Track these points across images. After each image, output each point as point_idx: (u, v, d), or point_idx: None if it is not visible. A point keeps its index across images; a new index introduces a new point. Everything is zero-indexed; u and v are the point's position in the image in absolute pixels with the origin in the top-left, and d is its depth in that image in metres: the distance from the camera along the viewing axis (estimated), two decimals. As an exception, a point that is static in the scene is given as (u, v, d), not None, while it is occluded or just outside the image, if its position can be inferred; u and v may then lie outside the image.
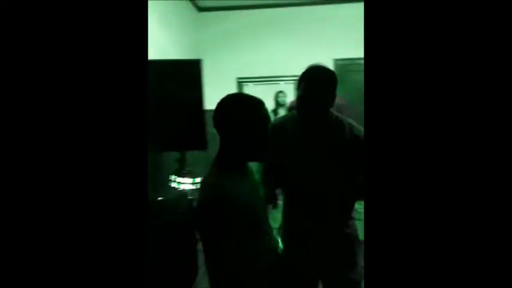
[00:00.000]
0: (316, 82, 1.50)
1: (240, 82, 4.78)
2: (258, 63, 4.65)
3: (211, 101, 4.87)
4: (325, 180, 1.58)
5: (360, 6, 4.84)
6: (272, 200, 1.81)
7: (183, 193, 2.29)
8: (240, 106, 1.16)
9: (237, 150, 1.16)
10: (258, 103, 1.17)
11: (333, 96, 1.55)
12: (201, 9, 4.68)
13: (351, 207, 1.70)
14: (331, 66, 4.52)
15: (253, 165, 1.33)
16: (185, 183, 2.40)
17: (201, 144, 2.41)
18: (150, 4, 2.95)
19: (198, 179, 2.40)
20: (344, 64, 4.50)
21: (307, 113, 1.59)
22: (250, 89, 4.76)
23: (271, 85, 4.60)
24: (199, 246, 1.18)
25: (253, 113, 1.14)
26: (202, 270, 2.39)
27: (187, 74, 2.37)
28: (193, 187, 2.38)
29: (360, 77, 4.30)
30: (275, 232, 1.43)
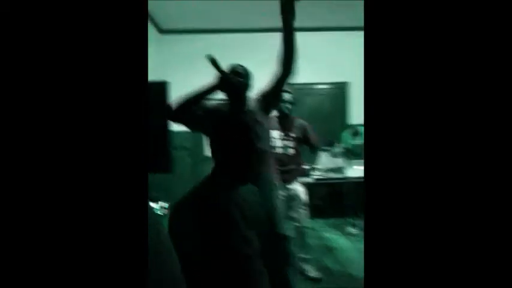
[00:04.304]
0: (235, 75, 2.17)
1: (202, 104, 4.78)
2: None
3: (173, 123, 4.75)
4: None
5: (314, 35, 5.06)
6: None
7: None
8: None
9: None
10: None
11: (247, 85, 2.20)
12: (163, 31, 4.66)
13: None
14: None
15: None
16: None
17: (165, 166, 2.35)
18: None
19: (164, 204, 2.33)
20: (299, 88, 4.77)
21: (231, 97, 2.19)
22: (211, 111, 4.77)
23: (233, 107, 4.66)
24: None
25: None
26: None
27: (152, 95, 2.32)
28: (160, 213, 2.30)
29: (312, 99, 4.62)
30: None
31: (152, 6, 3.94)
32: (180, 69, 4.71)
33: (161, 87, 2.30)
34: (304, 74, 4.60)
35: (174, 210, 1.12)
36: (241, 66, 2.25)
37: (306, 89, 4.92)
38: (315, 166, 4.06)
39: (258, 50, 4.70)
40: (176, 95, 4.67)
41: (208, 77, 4.76)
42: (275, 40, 4.76)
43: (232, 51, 4.72)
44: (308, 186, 3.26)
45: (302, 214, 2.93)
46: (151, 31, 4.40)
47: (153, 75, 3.95)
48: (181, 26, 4.63)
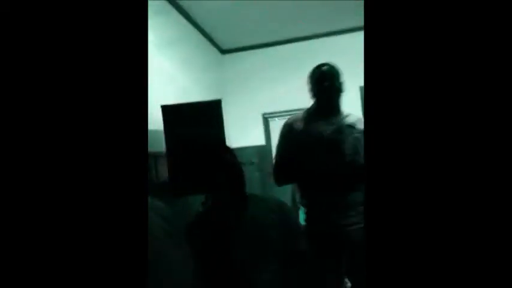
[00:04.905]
0: (323, 76, 1.82)
1: (266, 117, 4.83)
2: (283, 97, 4.67)
3: (239, 138, 4.96)
4: (337, 168, 1.75)
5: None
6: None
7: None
8: None
9: None
10: None
11: (339, 87, 1.85)
12: (224, 51, 4.83)
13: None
14: (358, 93, 4.56)
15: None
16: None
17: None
18: (172, 48, 3.06)
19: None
20: None
21: (321, 103, 1.86)
22: (276, 123, 4.79)
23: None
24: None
25: None
26: None
27: (207, 114, 2.41)
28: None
29: None
30: None
31: (211, 29, 4.11)
32: (244, 86, 4.82)
33: (215, 105, 2.37)
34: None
35: (185, 231, 1.19)
36: (329, 66, 1.90)
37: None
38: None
39: (319, 55, 4.64)
40: (240, 111, 4.77)
41: (271, 92, 4.78)
42: (335, 43, 4.65)
43: (293, 60, 4.73)
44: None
45: None
46: (213, 53, 4.58)
47: (215, 95, 4.13)
48: (241, 43, 4.75)
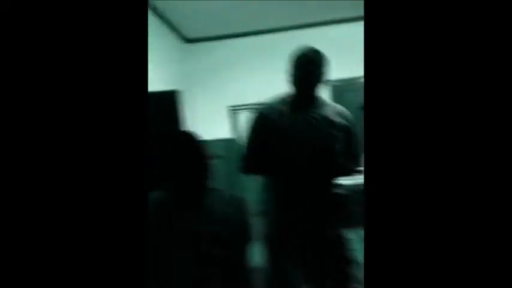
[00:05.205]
0: (307, 61, 1.61)
1: (233, 110, 4.67)
2: (250, 90, 4.54)
3: (204, 131, 4.76)
4: (313, 159, 1.66)
5: (350, 27, 4.77)
6: None
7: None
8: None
9: None
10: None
11: (323, 75, 1.65)
12: (189, 40, 4.62)
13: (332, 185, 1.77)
14: (326, 88, 4.42)
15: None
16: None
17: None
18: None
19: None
20: (340, 85, 4.38)
21: (302, 91, 1.68)
22: (243, 117, 4.64)
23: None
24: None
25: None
26: None
27: (164, 105, 2.23)
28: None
29: (356, 96, 4.28)
30: None
31: (175, 16, 3.90)
32: (211, 78, 4.66)
33: (171, 96, 2.19)
34: (345, 67, 4.30)
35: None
36: (315, 51, 1.66)
37: (349, 84, 4.41)
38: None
39: (289, 48, 4.49)
40: (207, 103, 4.57)
41: (236, 83, 4.63)
42: (304, 37, 4.52)
43: (262, 53, 4.59)
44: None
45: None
46: (176, 41, 4.36)
47: (179, 86, 3.91)
48: (206, 33, 4.57)
